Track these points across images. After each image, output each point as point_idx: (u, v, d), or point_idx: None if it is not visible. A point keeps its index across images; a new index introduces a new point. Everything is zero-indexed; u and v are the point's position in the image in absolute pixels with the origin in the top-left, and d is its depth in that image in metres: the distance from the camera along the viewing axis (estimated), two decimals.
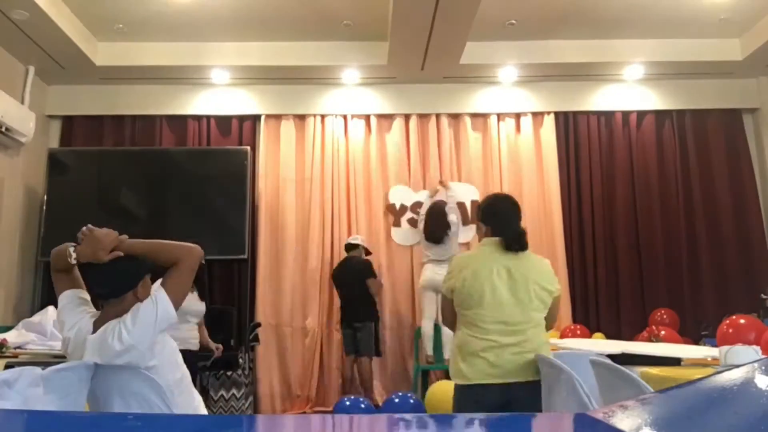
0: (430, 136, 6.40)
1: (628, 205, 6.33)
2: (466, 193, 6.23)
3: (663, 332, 4.46)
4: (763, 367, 0.84)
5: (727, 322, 3.00)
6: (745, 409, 0.76)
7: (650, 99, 6.46)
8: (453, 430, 1.00)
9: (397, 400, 4.50)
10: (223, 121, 6.38)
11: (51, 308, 4.11)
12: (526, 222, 3.42)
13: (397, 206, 6.20)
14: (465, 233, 6.09)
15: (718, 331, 2.99)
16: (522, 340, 2.51)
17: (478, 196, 6.20)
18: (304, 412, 5.67)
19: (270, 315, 6.01)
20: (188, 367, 2.26)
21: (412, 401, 4.48)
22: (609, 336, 5.52)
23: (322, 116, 6.39)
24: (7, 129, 5.23)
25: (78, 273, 2.16)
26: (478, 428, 1.02)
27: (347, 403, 4.43)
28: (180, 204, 5.98)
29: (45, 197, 5.87)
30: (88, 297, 2.17)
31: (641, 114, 6.51)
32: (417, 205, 6.18)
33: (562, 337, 5.27)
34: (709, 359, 2.66)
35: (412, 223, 6.15)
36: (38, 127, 5.73)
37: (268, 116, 6.39)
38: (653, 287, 6.15)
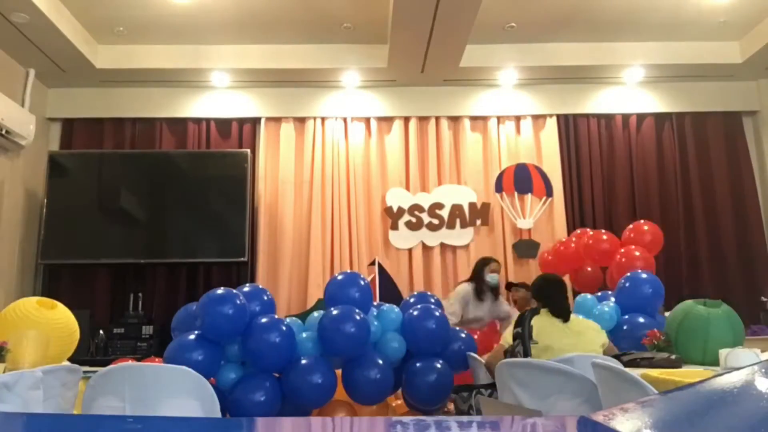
0: (429, 138, 6.40)
1: (629, 207, 6.33)
2: (465, 195, 6.24)
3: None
4: (763, 370, 0.84)
5: None
6: (746, 411, 0.76)
7: (650, 102, 6.47)
8: None
9: None
10: (223, 124, 6.39)
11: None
12: None
13: (395, 209, 6.19)
14: (462, 236, 6.14)
15: None
16: None
17: (476, 199, 6.21)
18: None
19: None
20: None
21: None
22: None
23: (322, 119, 6.40)
24: (7, 132, 5.23)
25: None
26: (476, 430, 1.02)
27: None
28: (180, 206, 5.98)
29: (45, 200, 5.86)
30: None
31: (641, 117, 6.52)
32: (415, 208, 6.18)
33: None
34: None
35: (410, 226, 6.16)
36: (38, 129, 5.73)
37: (268, 119, 6.39)
38: None
